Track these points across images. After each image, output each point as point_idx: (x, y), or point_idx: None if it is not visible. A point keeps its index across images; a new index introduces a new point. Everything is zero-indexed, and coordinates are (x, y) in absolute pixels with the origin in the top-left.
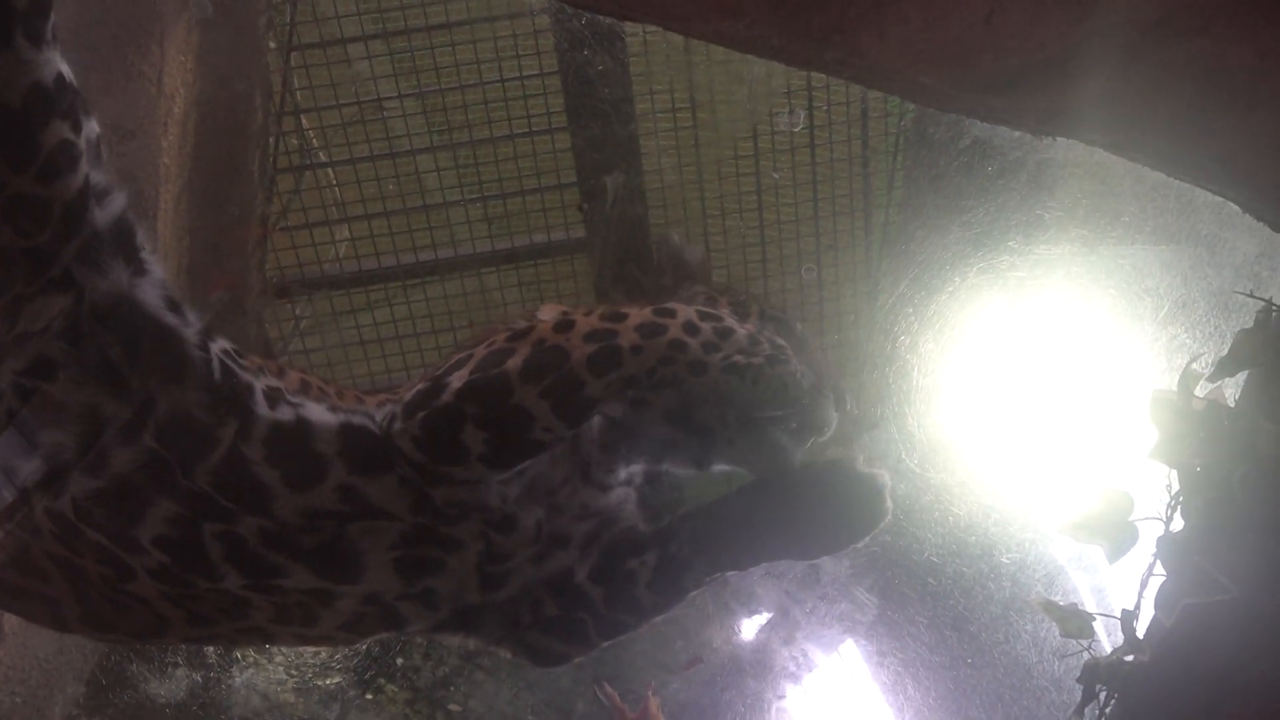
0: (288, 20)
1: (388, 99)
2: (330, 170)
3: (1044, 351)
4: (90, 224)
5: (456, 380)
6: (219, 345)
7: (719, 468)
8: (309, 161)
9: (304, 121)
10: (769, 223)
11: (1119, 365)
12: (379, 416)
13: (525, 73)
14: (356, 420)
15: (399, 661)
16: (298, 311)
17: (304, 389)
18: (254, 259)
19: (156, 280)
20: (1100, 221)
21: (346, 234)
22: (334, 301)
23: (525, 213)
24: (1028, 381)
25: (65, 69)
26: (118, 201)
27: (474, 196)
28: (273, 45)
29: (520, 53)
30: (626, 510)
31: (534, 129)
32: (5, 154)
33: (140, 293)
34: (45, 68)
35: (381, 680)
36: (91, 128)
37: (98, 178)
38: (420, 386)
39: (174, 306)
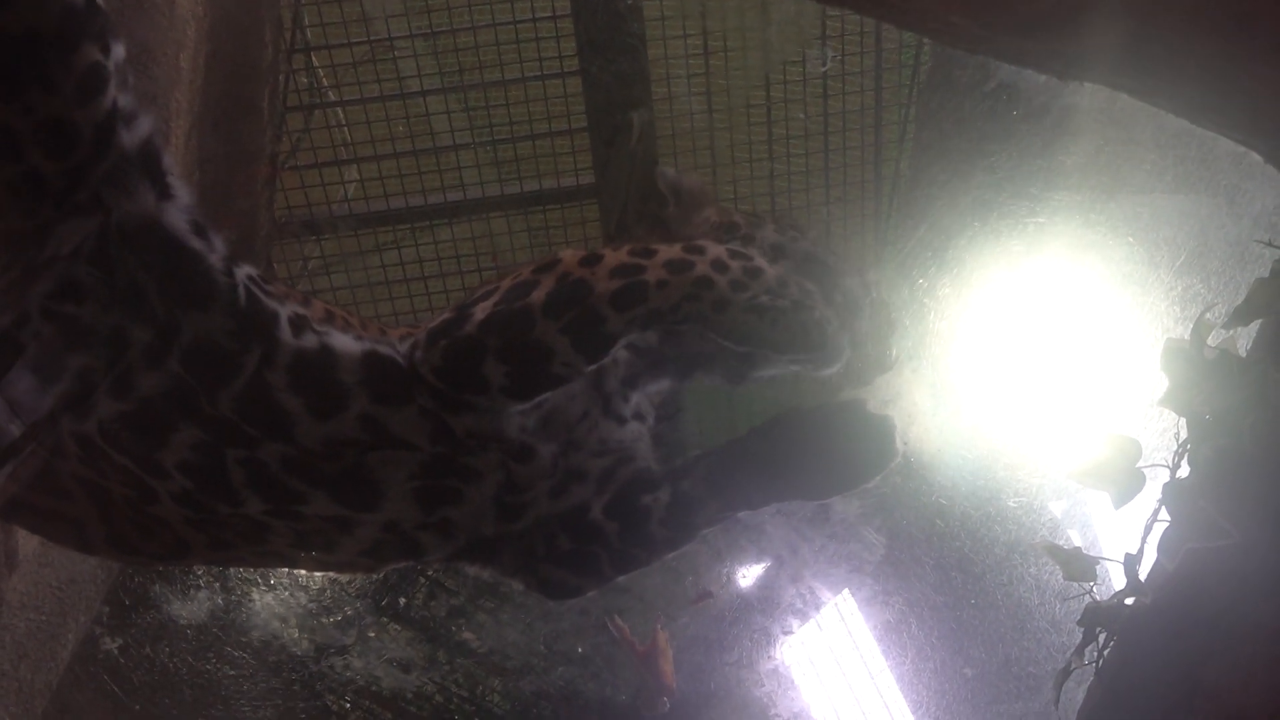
0: None
1: (398, 38)
2: (340, 110)
3: (1060, 299)
4: (118, 147)
5: (480, 311)
6: (244, 271)
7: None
8: (319, 100)
9: (314, 59)
10: (779, 174)
11: (1133, 314)
12: (403, 348)
13: (538, 13)
14: (381, 349)
15: (417, 589)
16: (306, 252)
17: (329, 319)
18: (263, 198)
19: (183, 204)
20: (1121, 169)
21: (355, 175)
22: (342, 243)
23: (535, 157)
24: (1042, 328)
25: None
26: (144, 125)
27: (484, 140)
28: None
29: None
30: (642, 448)
31: (545, 72)
32: (38, 77)
33: (167, 216)
34: None
35: (399, 605)
36: (119, 50)
37: (125, 100)
38: (445, 316)
39: (200, 231)
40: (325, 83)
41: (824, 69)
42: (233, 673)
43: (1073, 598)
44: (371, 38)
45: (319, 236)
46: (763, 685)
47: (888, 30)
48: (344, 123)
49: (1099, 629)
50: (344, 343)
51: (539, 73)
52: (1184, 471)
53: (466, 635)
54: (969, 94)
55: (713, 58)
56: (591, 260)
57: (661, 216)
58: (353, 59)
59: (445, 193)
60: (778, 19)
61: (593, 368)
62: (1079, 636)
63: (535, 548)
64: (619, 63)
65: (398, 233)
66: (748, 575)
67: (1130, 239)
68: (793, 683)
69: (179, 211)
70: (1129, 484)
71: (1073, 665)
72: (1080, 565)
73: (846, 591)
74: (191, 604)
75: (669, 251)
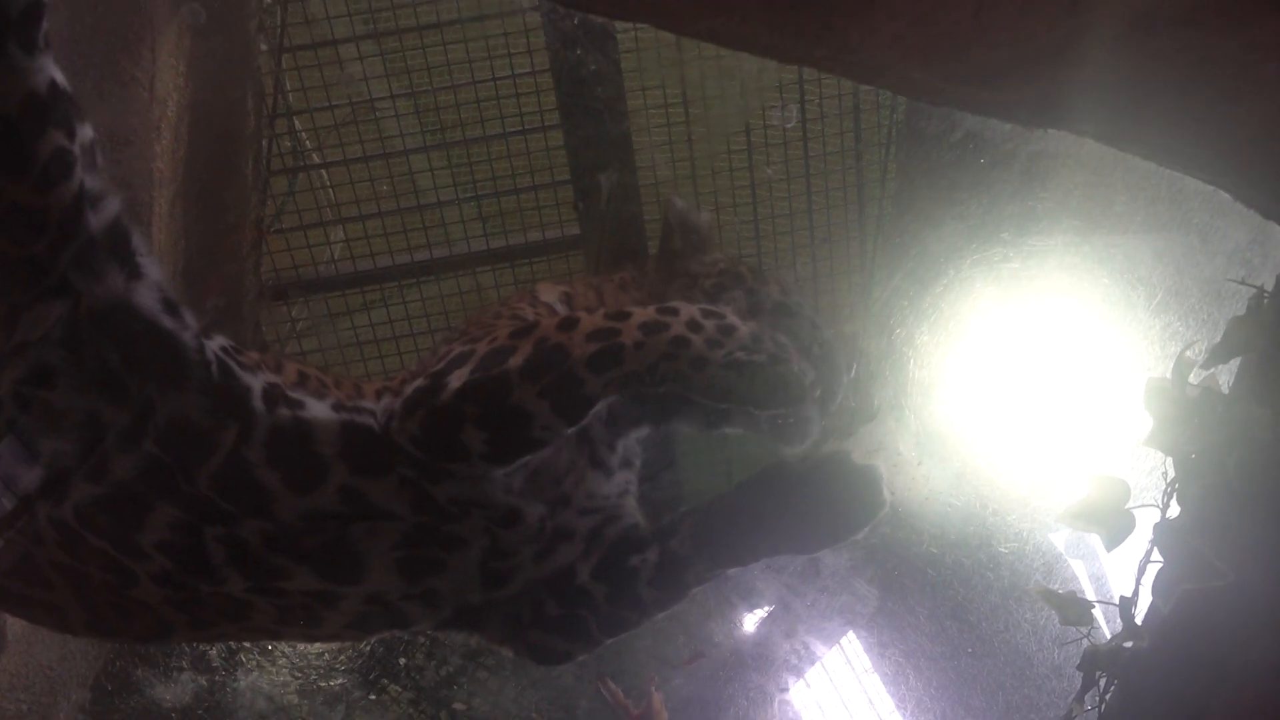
0: (279, 22)
1: (380, 99)
2: (324, 171)
3: (1039, 342)
4: (85, 230)
5: (455, 380)
6: (217, 343)
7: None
8: (302, 163)
9: (297, 123)
10: (763, 217)
11: (1113, 354)
12: (378, 411)
13: (517, 71)
14: (358, 420)
15: (403, 661)
16: (294, 314)
17: (302, 381)
18: (249, 262)
19: (152, 283)
20: (1093, 212)
21: (341, 235)
22: (330, 303)
23: (519, 211)
24: (1023, 372)
25: (58, 75)
26: (112, 206)
27: (468, 195)
28: (264, 48)
29: (511, 51)
30: (628, 504)
31: (526, 127)
32: (2, 164)
33: (136, 297)
34: (38, 75)
35: (385, 680)
36: (85, 132)
37: (92, 183)
38: (420, 384)
39: (171, 308)
40: (308, 145)
41: (789, 125)
42: None
43: (1071, 642)
44: (353, 99)
45: (307, 298)
46: None
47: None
48: (329, 184)
49: (1099, 673)
50: (320, 413)
51: (520, 127)
52: (1174, 511)
53: (457, 705)
54: (936, 144)
55: (692, 106)
56: (568, 324)
57: (669, 249)
58: (335, 121)
59: (431, 249)
60: (752, 69)
61: (573, 430)
62: (1080, 682)
63: (522, 614)
64: (585, 127)
65: (386, 291)
66: (740, 633)
67: (1106, 280)
68: None
69: (149, 290)
70: (1119, 525)
71: (1074, 712)
72: (1076, 609)
73: (841, 645)
74: (175, 686)
75: (644, 314)
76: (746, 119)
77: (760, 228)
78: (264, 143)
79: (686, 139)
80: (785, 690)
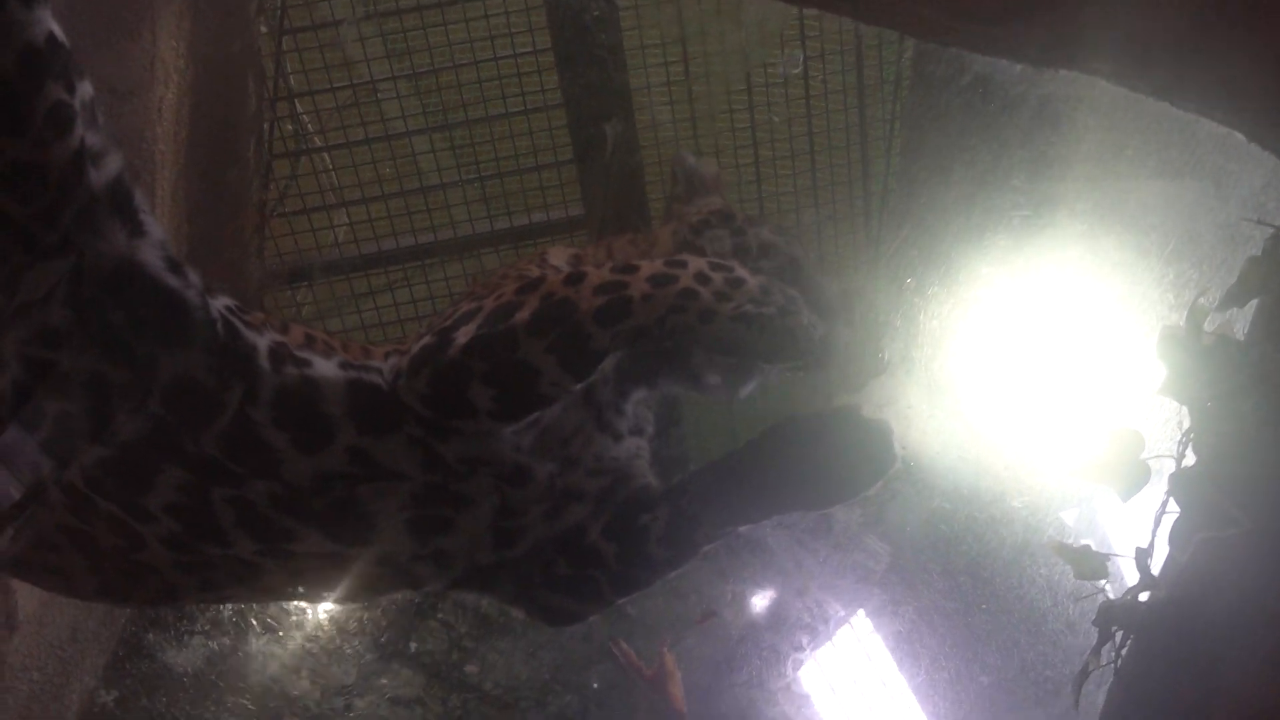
0: (279, 4)
1: (381, 80)
2: (326, 155)
3: (1050, 292)
4: (87, 187)
5: (463, 335)
6: (221, 302)
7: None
8: (305, 146)
9: (298, 106)
10: (764, 160)
11: (1126, 303)
12: (386, 370)
13: (518, 50)
14: (365, 377)
15: (415, 623)
16: (299, 299)
17: (309, 343)
18: (252, 247)
19: (155, 241)
20: (1104, 157)
21: (345, 219)
22: (334, 287)
23: (522, 192)
24: (1035, 323)
25: (56, 28)
26: (114, 163)
27: (471, 177)
28: (264, 29)
29: (513, 30)
30: (638, 466)
31: (529, 106)
32: (1, 120)
33: (140, 255)
34: (36, 27)
35: (397, 643)
36: (85, 89)
37: (93, 139)
38: (426, 341)
39: (174, 267)
40: (310, 128)
41: (796, 70)
42: None
43: (1086, 597)
44: (355, 81)
45: (311, 283)
46: (776, 704)
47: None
48: (331, 168)
49: (1115, 628)
50: (327, 372)
51: (523, 107)
52: (1190, 460)
53: (469, 668)
54: (944, 89)
55: (692, 54)
56: (575, 279)
57: (673, 196)
58: (337, 103)
59: (435, 232)
60: (756, 16)
61: (581, 385)
62: (1095, 637)
63: (533, 574)
64: (588, 75)
65: (390, 275)
66: (752, 591)
67: (1118, 227)
68: (806, 700)
69: (152, 248)
70: (1134, 477)
71: (1091, 667)
72: (1091, 563)
73: (855, 604)
74: (187, 651)
75: (651, 266)
76: (749, 65)
77: (761, 171)
78: (266, 126)
79: (686, 87)
80: (799, 649)
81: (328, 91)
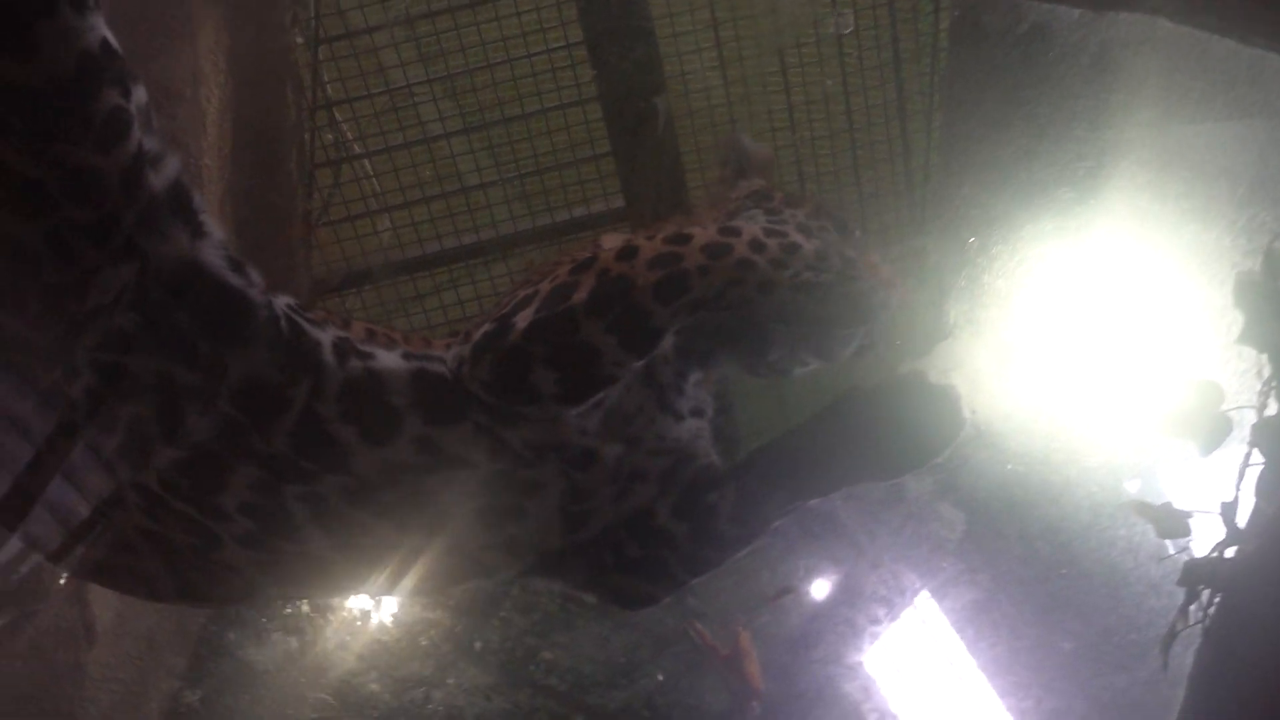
0: (312, 15)
1: (416, 84)
2: (367, 161)
3: (1118, 244)
4: (148, 190)
5: (521, 320)
6: (284, 300)
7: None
8: (345, 154)
9: (336, 114)
10: (802, 140)
11: (1197, 251)
12: (449, 359)
13: (551, 45)
14: (430, 366)
15: (490, 612)
16: (349, 306)
17: (371, 337)
18: (300, 256)
19: (216, 241)
20: (1169, 100)
21: (388, 224)
22: (383, 293)
23: (563, 187)
24: (1103, 276)
25: (109, 34)
26: (172, 165)
27: (510, 175)
28: (299, 41)
29: (545, 25)
30: (702, 445)
31: (564, 101)
32: (61, 127)
33: (202, 255)
34: (91, 34)
35: (473, 633)
36: (140, 93)
37: (150, 143)
38: (487, 328)
39: (237, 266)
40: (350, 136)
41: (849, 31)
42: (314, 716)
43: (1169, 556)
44: (390, 87)
45: (360, 289)
46: (854, 679)
47: None
48: (372, 173)
49: (1201, 586)
50: (391, 363)
51: (558, 102)
52: (1272, 409)
53: (545, 655)
54: (1000, 41)
55: (725, 47)
56: (629, 253)
57: (720, 179)
58: (374, 110)
59: (478, 231)
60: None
61: (642, 363)
62: (1181, 597)
63: (604, 558)
64: (636, 49)
65: (437, 278)
66: (826, 566)
67: (1186, 173)
68: (885, 674)
69: (214, 249)
70: (1216, 430)
71: (1178, 627)
72: (1173, 521)
73: (930, 574)
74: (267, 648)
75: (704, 235)
76: (783, 45)
77: (800, 153)
78: (306, 136)
79: (721, 72)
80: (876, 622)
81: (365, 98)
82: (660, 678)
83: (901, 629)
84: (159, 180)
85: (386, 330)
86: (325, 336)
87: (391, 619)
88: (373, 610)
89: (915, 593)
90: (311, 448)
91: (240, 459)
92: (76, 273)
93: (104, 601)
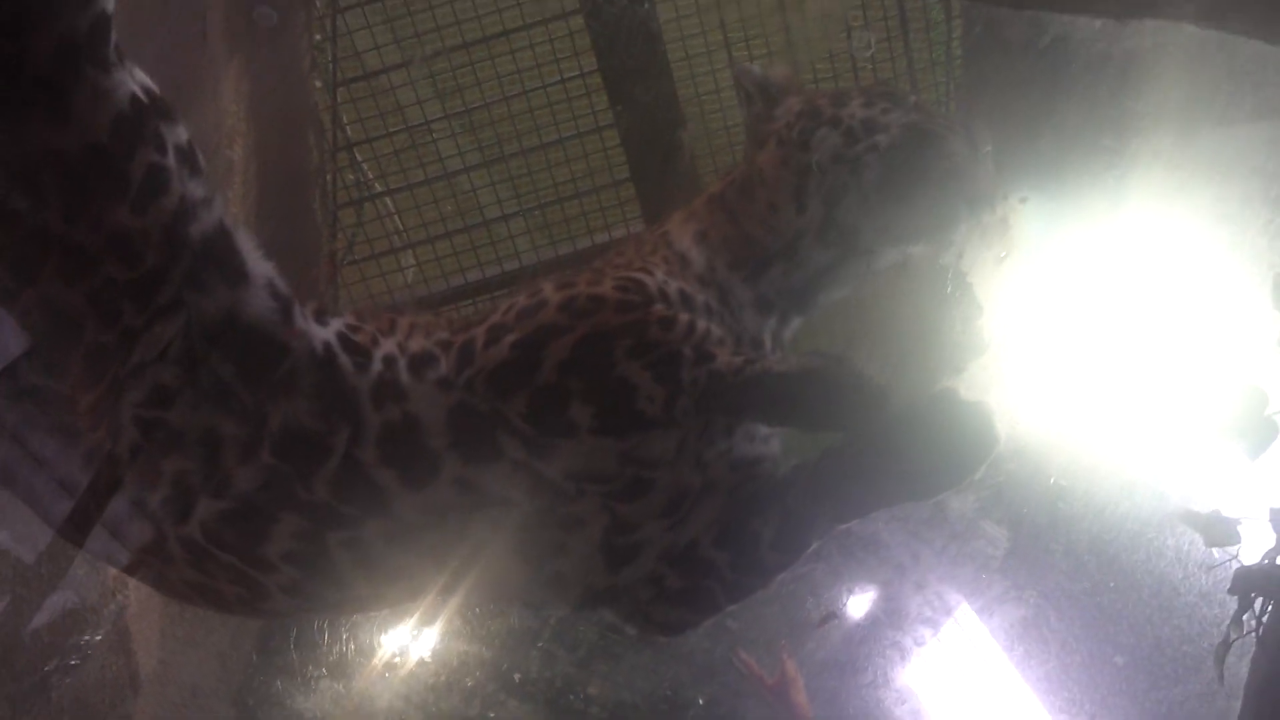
0: (330, 58)
1: (434, 120)
2: (389, 199)
3: (1153, 252)
4: (189, 243)
5: (552, 356)
6: (333, 328)
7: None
8: (367, 193)
9: (357, 154)
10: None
11: (1233, 254)
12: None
13: (565, 74)
14: (466, 400)
15: (535, 648)
16: None
17: (407, 350)
18: (328, 296)
19: (261, 283)
20: (1197, 105)
21: (412, 260)
22: None
23: (584, 215)
24: (1140, 285)
25: (136, 86)
26: (214, 210)
27: (531, 206)
28: (318, 84)
29: (559, 55)
30: (757, 469)
31: (581, 130)
32: (98, 190)
33: (243, 305)
34: (119, 91)
35: (518, 672)
36: (179, 134)
37: (193, 189)
38: (507, 358)
39: (281, 305)
40: (371, 175)
41: (868, 53)
42: None
43: (1219, 565)
44: (409, 125)
45: None
46: (903, 702)
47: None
48: (394, 211)
49: (1254, 594)
50: (427, 405)
51: (575, 131)
52: None
53: (591, 690)
54: (1024, 53)
55: (735, 49)
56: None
57: (752, 114)
58: (394, 148)
59: (502, 263)
60: (792, 21)
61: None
62: (1233, 606)
63: (641, 592)
64: (658, 87)
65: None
66: (870, 589)
67: (1218, 176)
68: (934, 696)
69: (257, 292)
70: (1262, 433)
71: (1231, 637)
72: (1221, 529)
73: (976, 593)
74: (315, 695)
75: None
76: (798, 64)
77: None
78: (328, 177)
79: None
80: (923, 644)
81: (384, 137)
82: (701, 702)
83: (949, 650)
84: (199, 229)
85: (429, 323)
86: (364, 381)
87: (430, 654)
88: (411, 645)
89: (962, 612)
90: (353, 493)
91: (283, 508)
92: (119, 332)
93: (147, 651)
